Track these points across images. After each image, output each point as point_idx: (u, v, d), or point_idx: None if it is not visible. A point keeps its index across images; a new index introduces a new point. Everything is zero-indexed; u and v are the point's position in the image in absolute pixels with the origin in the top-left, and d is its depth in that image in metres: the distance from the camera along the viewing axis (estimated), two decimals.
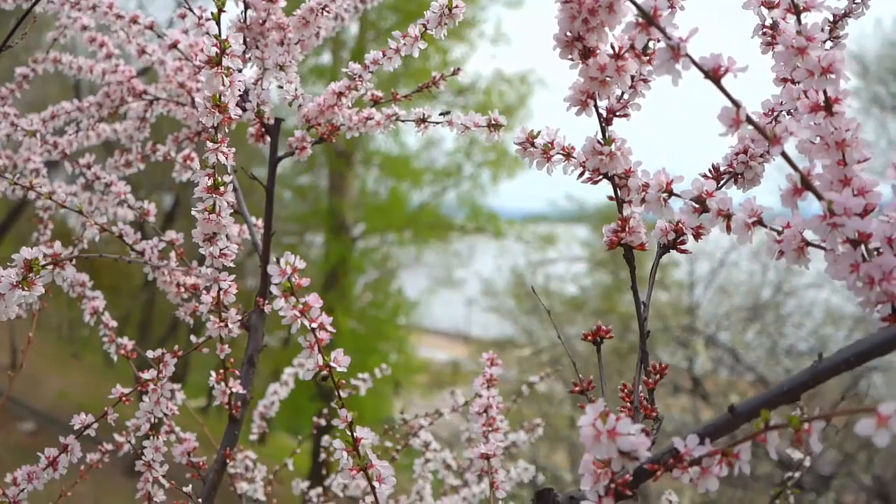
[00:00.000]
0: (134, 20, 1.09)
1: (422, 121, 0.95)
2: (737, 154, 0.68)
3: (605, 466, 0.53)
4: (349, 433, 0.64)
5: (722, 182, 0.68)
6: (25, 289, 0.67)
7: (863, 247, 0.52)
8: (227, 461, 0.99)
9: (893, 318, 0.50)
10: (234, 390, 0.97)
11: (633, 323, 6.97)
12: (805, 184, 0.52)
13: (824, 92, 0.53)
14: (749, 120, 0.50)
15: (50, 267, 0.67)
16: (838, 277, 0.52)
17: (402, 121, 0.96)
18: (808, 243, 0.54)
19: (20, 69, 1.34)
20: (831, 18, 0.73)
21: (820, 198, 0.51)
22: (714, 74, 0.50)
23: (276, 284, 0.60)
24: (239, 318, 0.91)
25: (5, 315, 0.70)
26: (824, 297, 7.12)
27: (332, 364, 0.63)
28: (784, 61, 0.54)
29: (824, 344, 7.04)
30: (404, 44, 0.89)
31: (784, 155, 0.51)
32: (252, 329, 1.02)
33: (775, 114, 0.69)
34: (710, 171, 0.69)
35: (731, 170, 0.68)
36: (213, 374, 0.96)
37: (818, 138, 0.54)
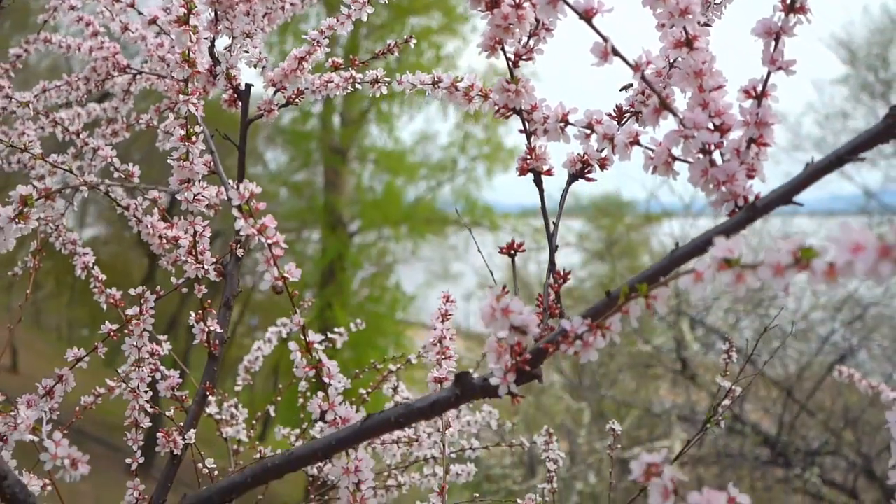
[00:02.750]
0: None
1: (375, 81, 1.05)
2: (637, 94, 0.78)
3: (506, 346, 0.63)
4: (303, 337, 0.75)
5: (625, 119, 0.79)
6: (21, 221, 0.78)
7: (719, 156, 0.63)
8: (207, 394, 1.10)
9: (735, 212, 0.61)
10: (212, 329, 1.07)
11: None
12: (663, 105, 0.62)
13: (685, 30, 0.64)
14: (615, 52, 0.61)
15: (42, 200, 0.77)
16: (694, 182, 0.62)
17: (359, 83, 1.07)
18: (675, 157, 0.65)
19: (13, 50, 1.44)
20: None
21: (676, 115, 0.62)
22: (587, 15, 0.61)
23: (235, 207, 0.71)
24: (214, 260, 1.01)
25: (4, 248, 0.80)
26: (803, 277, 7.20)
27: (286, 275, 0.73)
28: (651, 6, 0.64)
29: (811, 325, 7.19)
30: (354, 9, 1.00)
31: (644, 80, 0.62)
32: (228, 275, 1.12)
33: (671, 60, 0.79)
34: (614, 109, 0.79)
35: (632, 108, 0.78)
36: (192, 315, 1.07)
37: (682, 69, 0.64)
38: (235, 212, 0.72)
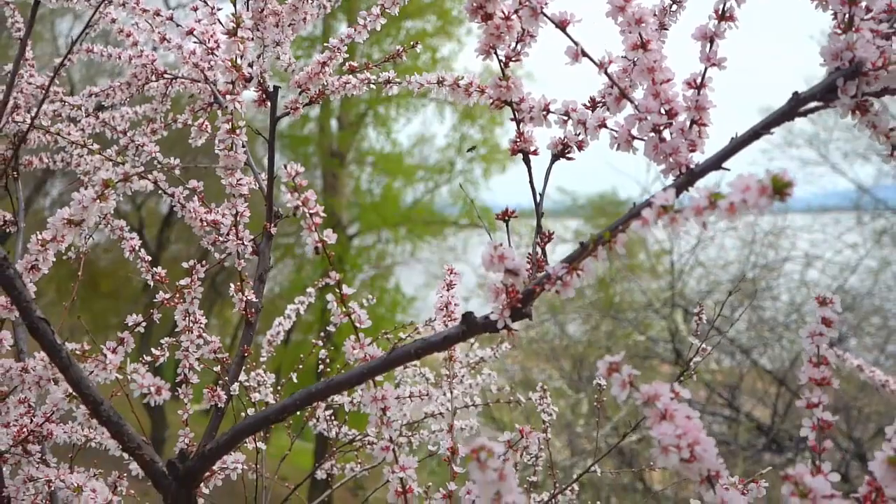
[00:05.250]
0: (157, 13, 1.36)
1: (387, 82, 1.22)
2: (606, 87, 0.95)
3: (502, 288, 0.80)
4: (339, 291, 0.92)
5: (598, 108, 0.95)
6: (103, 202, 0.94)
7: (668, 134, 0.80)
8: (245, 356, 1.26)
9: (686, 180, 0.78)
10: (249, 299, 1.24)
11: (630, 314, 7.20)
12: (622, 94, 0.79)
13: (640, 35, 0.80)
14: (584, 53, 0.77)
15: (121, 183, 0.94)
16: (648, 154, 0.79)
17: (373, 83, 1.23)
18: (633, 136, 0.81)
19: (58, 59, 1.61)
20: None
21: (632, 103, 0.78)
22: (562, 25, 0.78)
23: (284, 183, 0.88)
24: (252, 237, 1.18)
25: (87, 225, 0.97)
26: (796, 270, 7.40)
27: (325, 238, 0.90)
28: (613, 17, 0.81)
29: (802, 316, 7.38)
30: (369, 20, 1.17)
31: (607, 75, 0.79)
32: (261, 253, 1.29)
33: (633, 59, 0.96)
34: (589, 100, 0.96)
35: (602, 99, 0.95)
36: (232, 286, 1.24)
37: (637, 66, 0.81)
38: (284, 187, 0.88)
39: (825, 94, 0.71)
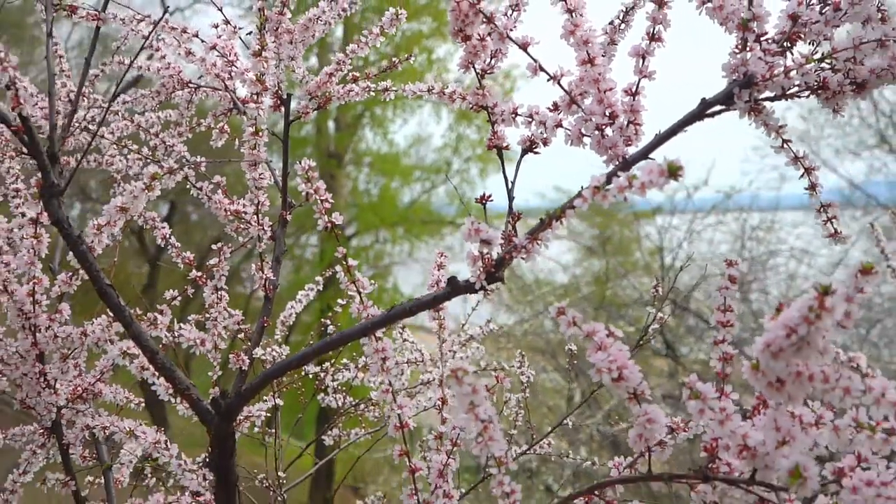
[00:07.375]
0: (184, 30, 1.56)
1: (386, 90, 1.42)
2: (563, 95, 1.15)
3: (479, 256, 1.00)
4: (345, 262, 1.12)
5: (557, 111, 1.15)
6: (150, 191, 1.14)
7: (609, 131, 1.00)
8: (265, 326, 1.46)
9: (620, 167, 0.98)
10: (268, 277, 1.44)
11: (623, 309, 7.40)
12: (572, 100, 0.99)
13: (587, 52, 1.00)
14: (541, 68, 0.98)
15: (167, 175, 1.14)
16: (594, 149, 0.99)
17: (374, 91, 1.44)
18: (582, 134, 1.01)
19: (92, 70, 1.81)
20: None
21: (579, 107, 0.99)
22: (523, 46, 0.98)
23: (299, 175, 1.08)
24: (270, 223, 1.38)
25: (135, 211, 1.17)
26: (785, 264, 7.60)
27: (333, 220, 1.10)
28: (566, 39, 1.01)
29: None
30: (370, 38, 1.37)
31: (560, 85, 0.99)
32: (277, 238, 1.49)
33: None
34: (552, 104, 1.16)
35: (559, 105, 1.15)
36: (253, 266, 1.44)
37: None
38: (299, 178, 1.08)
39: (725, 99, 0.91)
